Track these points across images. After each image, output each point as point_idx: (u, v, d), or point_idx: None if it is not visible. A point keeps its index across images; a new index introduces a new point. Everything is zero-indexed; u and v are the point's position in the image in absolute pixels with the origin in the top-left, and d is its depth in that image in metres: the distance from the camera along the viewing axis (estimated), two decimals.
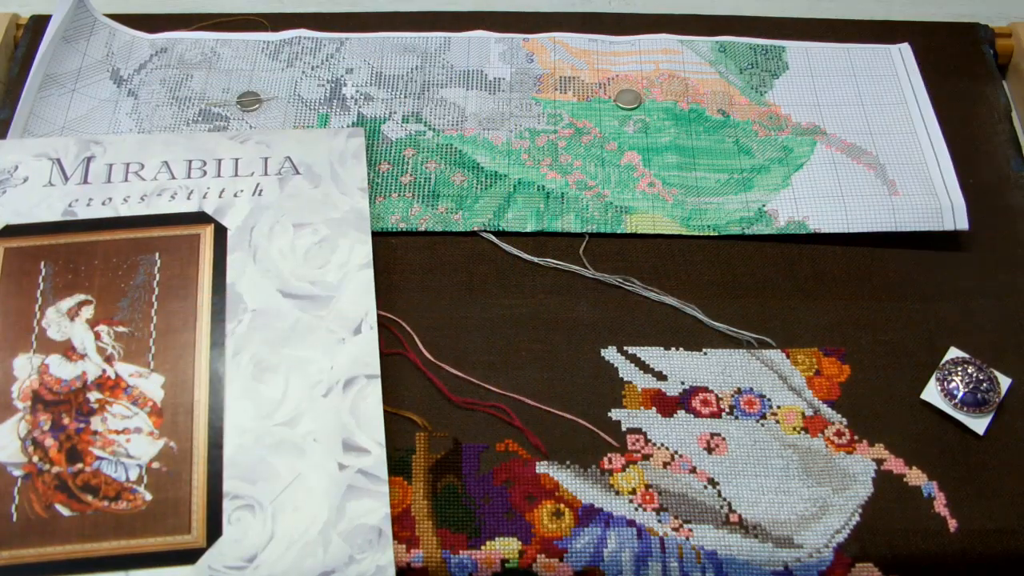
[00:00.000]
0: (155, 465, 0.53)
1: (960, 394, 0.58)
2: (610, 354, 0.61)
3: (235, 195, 0.62)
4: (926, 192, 0.67)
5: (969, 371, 0.59)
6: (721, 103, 0.73)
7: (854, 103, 0.73)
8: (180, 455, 0.54)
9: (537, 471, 0.56)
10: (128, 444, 0.54)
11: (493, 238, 0.65)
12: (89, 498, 0.52)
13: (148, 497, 0.53)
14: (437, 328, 0.61)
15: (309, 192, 0.63)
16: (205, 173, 0.63)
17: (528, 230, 0.65)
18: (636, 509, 0.55)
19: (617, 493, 0.55)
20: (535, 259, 0.64)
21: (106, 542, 0.51)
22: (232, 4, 0.81)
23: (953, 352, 0.61)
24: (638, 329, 0.62)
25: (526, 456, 0.57)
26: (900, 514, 0.55)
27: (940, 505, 0.55)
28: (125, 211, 0.61)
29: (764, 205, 0.67)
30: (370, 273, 0.60)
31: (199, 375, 0.56)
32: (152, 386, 0.55)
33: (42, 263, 0.59)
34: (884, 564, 0.54)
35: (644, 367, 0.60)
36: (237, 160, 0.64)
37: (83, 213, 0.61)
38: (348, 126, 0.70)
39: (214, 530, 0.52)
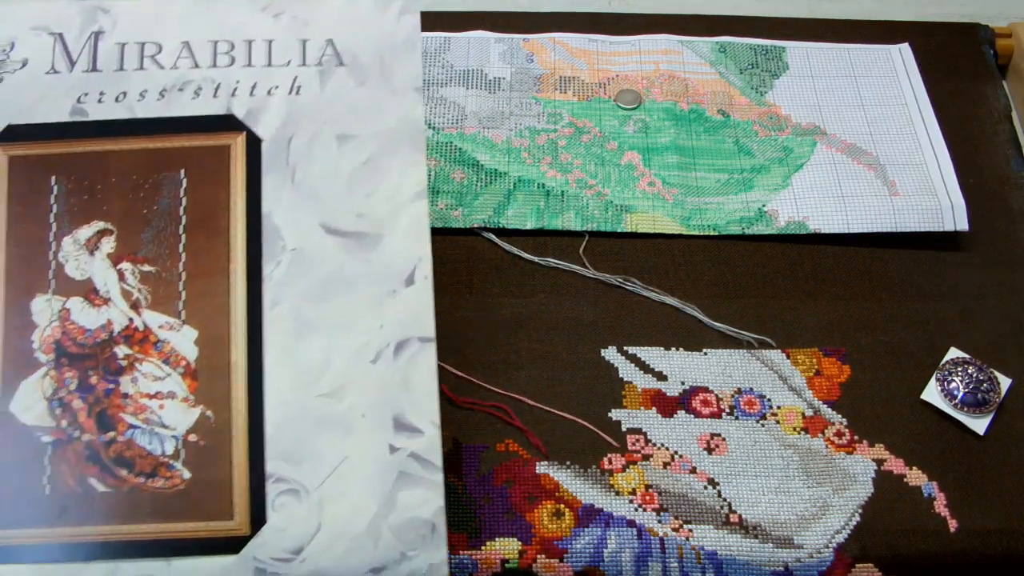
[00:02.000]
0: (192, 438, 0.49)
1: (960, 394, 0.58)
2: (610, 354, 0.61)
3: (269, 92, 0.53)
4: (926, 192, 0.67)
5: (969, 371, 0.59)
6: (721, 103, 0.73)
7: (854, 103, 0.73)
8: (218, 427, 0.49)
9: (537, 471, 0.56)
10: (162, 411, 0.49)
11: (494, 237, 0.65)
12: (124, 473, 0.49)
13: (186, 475, 0.49)
14: (437, 328, 0.61)
15: (354, 92, 0.54)
16: (233, 60, 0.54)
17: (528, 227, 0.65)
18: (636, 509, 0.55)
19: (617, 493, 0.55)
20: (535, 258, 0.64)
21: (145, 525, 0.48)
22: None
23: (953, 352, 0.61)
24: (638, 329, 0.62)
25: (526, 456, 0.57)
26: (900, 514, 0.55)
27: (940, 505, 0.55)
28: (142, 111, 0.53)
29: (764, 205, 0.67)
30: (425, 206, 0.52)
31: (235, 331, 0.50)
32: (184, 341, 0.50)
33: (52, 178, 0.52)
34: (884, 564, 0.54)
35: (644, 367, 0.60)
36: (270, 43, 0.54)
37: (94, 112, 0.53)
38: None
39: (257, 516, 0.48)
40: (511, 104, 0.72)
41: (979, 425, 0.58)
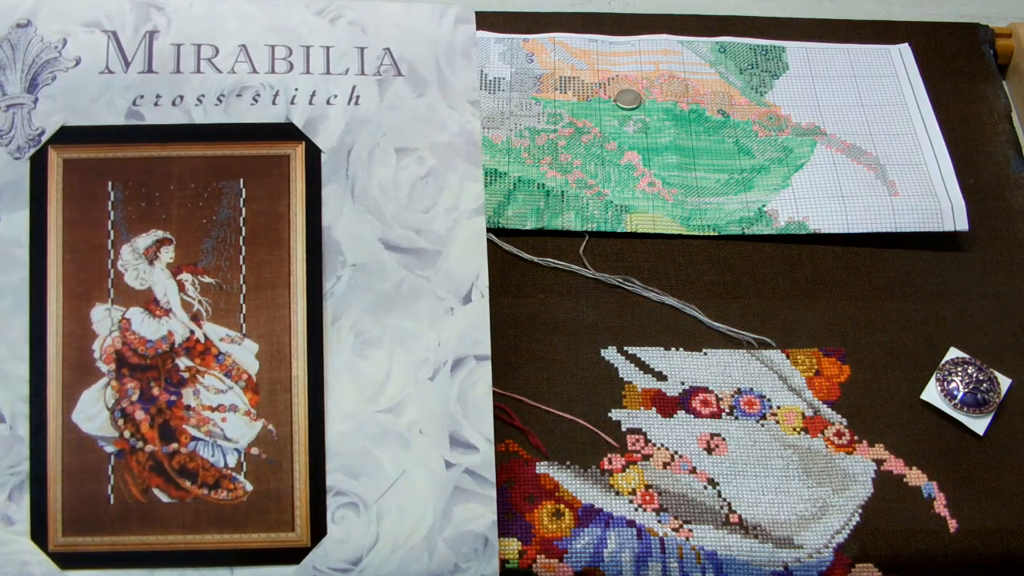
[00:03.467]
0: (254, 451, 0.50)
1: (960, 394, 0.58)
2: (610, 354, 0.61)
3: (328, 102, 0.52)
4: (926, 193, 0.67)
5: (969, 371, 0.59)
6: (721, 103, 0.73)
7: (854, 103, 0.73)
8: (280, 441, 0.50)
9: (537, 471, 0.56)
10: (224, 424, 0.50)
11: (494, 238, 0.65)
12: (187, 484, 0.49)
13: (249, 487, 0.50)
14: None
15: (413, 103, 0.53)
16: (291, 66, 0.53)
17: (528, 227, 0.65)
18: (636, 509, 0.55)
19: (617, 493, 0.55)
20: (535, 259, 0.64)
21: (208, 535, 0.49)
22: None
23: (953, 352, 0.61)
24: (638, 329, 0.62)
25: (526, 456, 0.57)
26: (900, 514, 0.55)
27: (940, 505, 0.55)
28: (200, 116, 0.52)
29: (764, 205, 0.67)
30: (482, 222, 0.53)
31: (296, 345, 0.50)
32: (246, 355, 0.50)
33: (110, 184, 0.51)
34: (884, 564, 0.54)
35: (644, 367, 0.60)
36: (328, 50, 0.53)
37: (151, 116, 0.51)
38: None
39: (318, 528, 0.49)
40: (511, 104, 0.72)
41: (979, 425, 0.58)
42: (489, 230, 0.65)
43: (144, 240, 0.51)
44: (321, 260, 0.51)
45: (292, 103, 0.52)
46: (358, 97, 0.53)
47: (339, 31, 0.54)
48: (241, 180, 0.52)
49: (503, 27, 0.77)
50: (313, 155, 0.52)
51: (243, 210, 0.51)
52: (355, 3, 0.55)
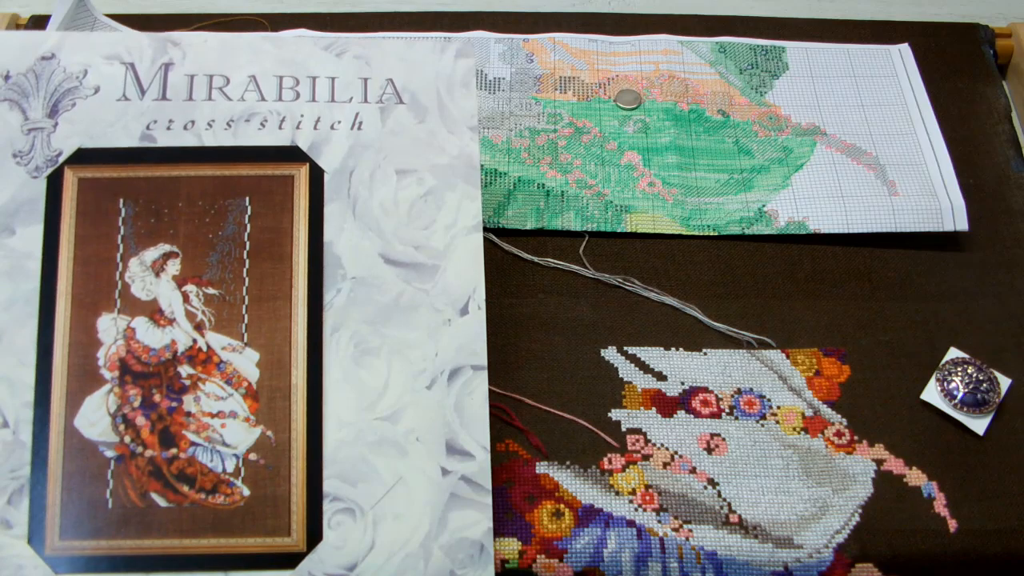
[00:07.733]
0: (252, 457, 0.51)
1: (960, 394, 0.58)
2: (610, 354, 0.61)
3: (332, 127, 0.56)
4: (926, 193, 0.67)
5: (969, 371, 0.59)
6: (721, 103, 0.73)
7: (854, 103, 0.73)
8: (278, 447, 0.51)
9: (537, 471, 0.56)
10: (223, 430, 0.51)
11: (493, 237, 0.65)
12: (185, 488, 0.50)
13: (246, 492, 0.50)
14: None
15: (414, 129, 0.56)
16: (298, 95, 0.56)
17: (528, 227, 0.65)
18: (636, 509, 0.55)
19: (617, 493, 0.55)
20: (535, 259, 0.64)
21: (204, 539, 0.50)
22: (232, 4, 0.80)
23: (953, 352, 0.61)
24: (638, 329, 0.62)
25: (526, 456, 0.57)
26: (900, 514, 0.55)
27: (940, 505, 0.55)
28: (210, 140, 0.55)
29: (764, 205, 0.67)
30: (479, 238, 0.55)
31: (296, 354, 0.52)
32: (246, 363, 0.52)
33: (121, 201, 0.53)
34: (884, 564, 0.54)
35: (644, 367, 0.60)
36: (333, 80, 0.57)
37: (163, 139, 0.54)
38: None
39: (314, 534, 0.50)
40: (511, 104, 0.72)
41: (979, 425, 0.58)
42: (489, 230, 0.65)
43: (152, 253, 0.53)
44: (322, 273, 0.53)
45: (298, 128, 0.55)
46: (361, 123, 0.56)
47: (344, 64, 0.57)
48: (247, 198, 0.54)
49: (503, 27, 0.77)
50: (317, 175, 0.55)
51: (248, 226, 0.53)
52: (361, 39, 0.59)
